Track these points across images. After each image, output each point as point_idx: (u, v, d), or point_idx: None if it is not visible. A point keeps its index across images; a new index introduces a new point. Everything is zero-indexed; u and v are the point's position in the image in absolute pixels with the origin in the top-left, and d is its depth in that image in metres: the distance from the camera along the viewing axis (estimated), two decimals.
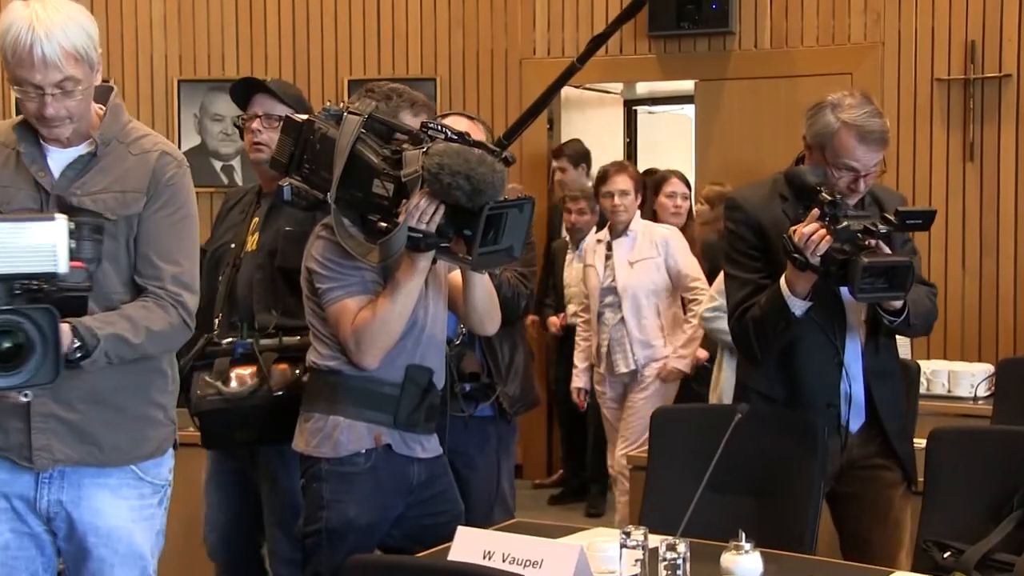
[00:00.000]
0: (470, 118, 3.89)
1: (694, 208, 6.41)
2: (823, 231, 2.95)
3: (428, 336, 3.08)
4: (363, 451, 3.02)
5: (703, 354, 5.70)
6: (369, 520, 3.04)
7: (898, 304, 3.10)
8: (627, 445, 5.45)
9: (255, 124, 3.61)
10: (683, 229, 5.92)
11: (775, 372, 3.23)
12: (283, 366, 3.39)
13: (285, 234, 3.51)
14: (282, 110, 3.58)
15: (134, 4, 7.73)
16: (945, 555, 2.84)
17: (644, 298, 5.41)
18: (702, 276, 5.43)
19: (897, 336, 3.33)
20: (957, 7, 6.45)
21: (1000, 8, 6.37)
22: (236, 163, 7.70)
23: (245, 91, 3.67)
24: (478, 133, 3.78)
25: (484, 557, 2.45)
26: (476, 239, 2.78)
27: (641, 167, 8.92)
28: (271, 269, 3.52)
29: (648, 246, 5.44)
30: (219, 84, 7.52)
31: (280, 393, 3.34)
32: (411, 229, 2.82)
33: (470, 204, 2.77)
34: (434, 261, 2.99)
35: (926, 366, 5.00)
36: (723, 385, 4.80)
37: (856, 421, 3.23)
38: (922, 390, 4.64)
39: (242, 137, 3.67)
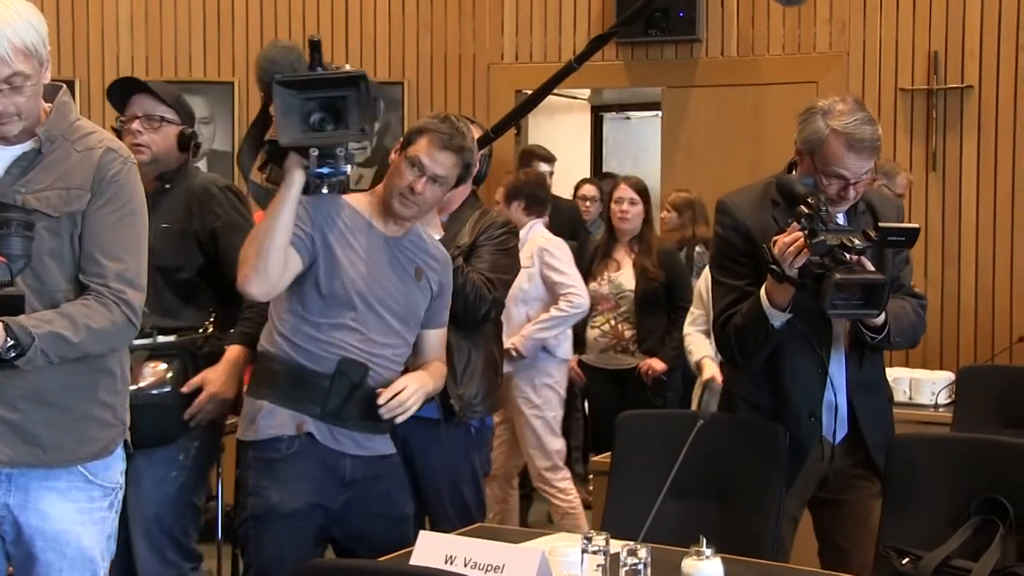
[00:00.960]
0: (471, 121, 3.90)
1: (661, 215, 6.39)
2: (801, 243, 2.90)
3: (373, 340, 3.09)
4: (284, 437, 3.01)
5: (660, 366, 5.69)
6: (292, 507, 3.01)
7: (878, 320, 3.06)
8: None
9: (135, 125, 3.55)
10: (640, 236, 5.87)
11: (761, 379, 3.21)
12: (155, 364, 3.37)
13: (162, 231, 3.45)
14: (163, 110, 3.56)
15: (100, 4, 7.68)
16: (904, 561, 2.85)
17: (513, 307, 5.36)
18: (576, 283, 5.44)
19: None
20: (920, 19, 6.51)
21: (962, 20, 6.43)
22: (203, 164, 7.66)
23: (123, 92, 3.59)
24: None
25: (446, 561, 2.45)
26: (279, 113, 2.84)
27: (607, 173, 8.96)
28: (150, 267, 3.50)
29: (527, 256, 5.38)
30: (187, 86, 7.45)
31: (153, 392, 3.31)
32: (269, 141, 2.95)
33: (267, 83, 2.86)
34: (331, 189, 3.03)
35: (888, 374, 5.01)
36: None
37: (839, 432, 3.21)
38: None
39: (121, 139, 3.62)
